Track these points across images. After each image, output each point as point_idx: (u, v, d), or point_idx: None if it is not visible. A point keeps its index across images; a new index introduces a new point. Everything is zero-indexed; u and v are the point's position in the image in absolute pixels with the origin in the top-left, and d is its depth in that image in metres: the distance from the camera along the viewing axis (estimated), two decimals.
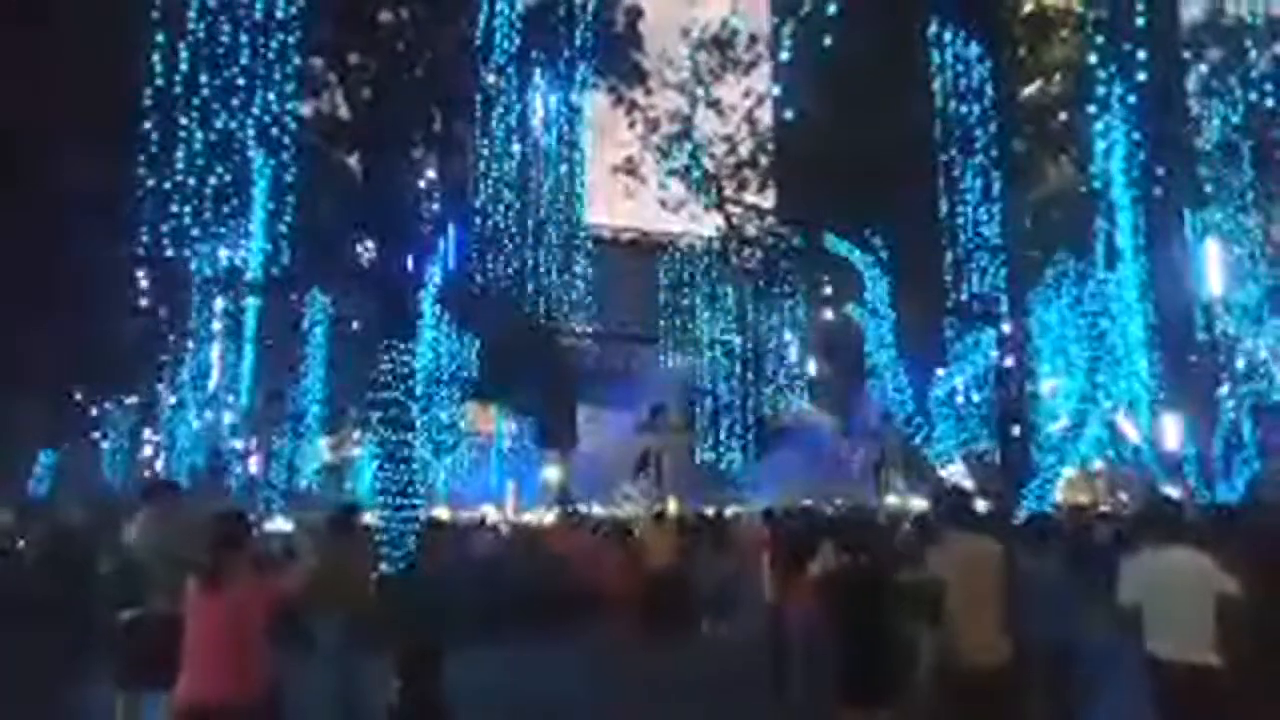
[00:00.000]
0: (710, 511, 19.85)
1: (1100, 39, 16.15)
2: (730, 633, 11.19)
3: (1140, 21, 15.35)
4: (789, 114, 18.98)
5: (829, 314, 21.32)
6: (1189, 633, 4.73)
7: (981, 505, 14.56)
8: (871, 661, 4.81)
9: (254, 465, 22.17)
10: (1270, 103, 17.77)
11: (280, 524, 18.08)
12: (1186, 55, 18.77)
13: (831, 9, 12.46)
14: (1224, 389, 18.07)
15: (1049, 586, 5.87)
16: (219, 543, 4.36)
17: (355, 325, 19.14)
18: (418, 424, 15.30)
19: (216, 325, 19.61)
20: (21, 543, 14.90)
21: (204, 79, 12.50)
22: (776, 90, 19.03)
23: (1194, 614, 4.72)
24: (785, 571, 8.20)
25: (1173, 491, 17.01)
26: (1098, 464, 21.51)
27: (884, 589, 4.99)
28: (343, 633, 6.94)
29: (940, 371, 18.11)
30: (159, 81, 12.54)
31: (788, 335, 21.55)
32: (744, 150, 19.27)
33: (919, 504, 21.81)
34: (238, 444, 21.95)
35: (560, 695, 8.33)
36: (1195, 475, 17.87)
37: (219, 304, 19.14)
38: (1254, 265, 18.57)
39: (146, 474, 22.23)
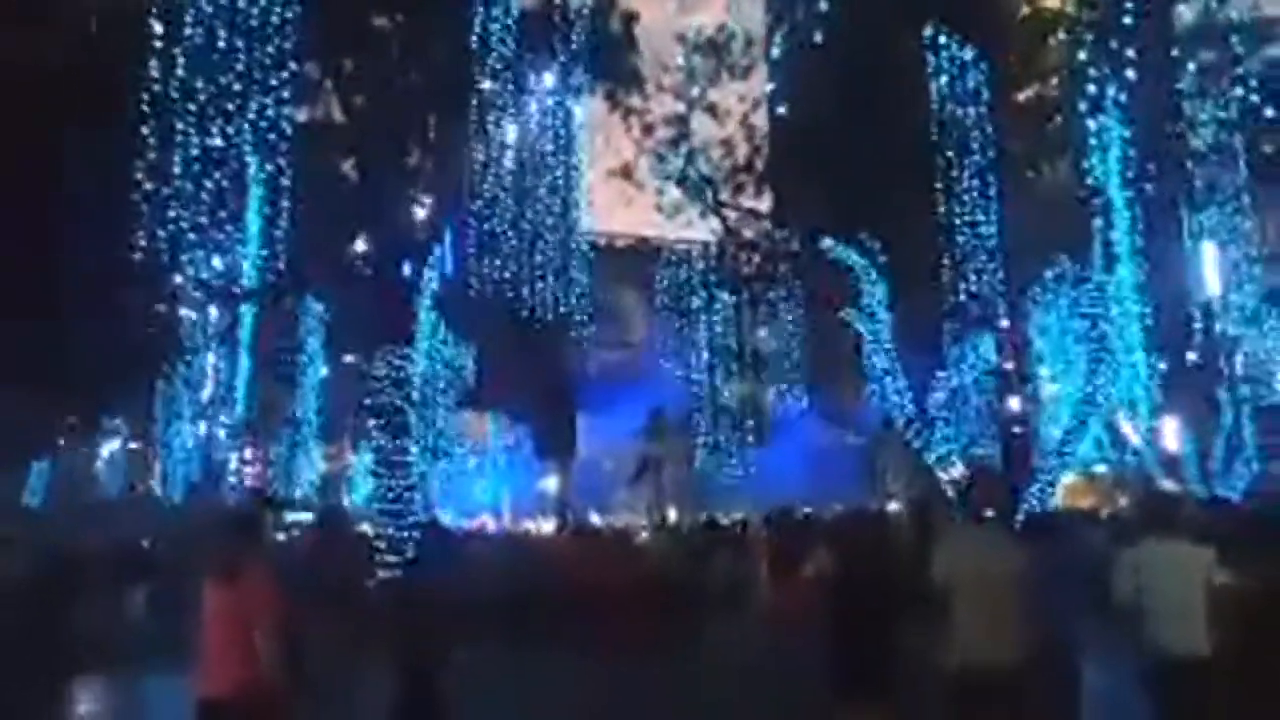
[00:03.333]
0: (714, 518, 19.71)
1: (1093, 38, 16.18)
2: (737, 636, 11.09)
3: (1131, 21, 15.37)
4: (782, 110, 18.99)
5: (827, 317, 21.28)
6: (1183, 624, 4.74)
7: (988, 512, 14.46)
8: (866, 658, 4.75)
9: (250, 475, 22.04)
10: (1266, 108, 17.86)
11: (301, 515, 17.97)
12: (1178, 53, 18.78)
13: (823, 4, 12.46)
14: (1224, 390, 18.00)
15: (1047, 583, 5.80)
16: (235, 537, 4.30)
17: (351, 331, 19.07)
18: (414, 430, 15.25)
19: (212, 333, 19.53)
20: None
21: (199, 85, 12.52)
22: (770, 85, 19.06)
23: (1188, 605, 4.74)
24: (782, 573, 8.15)
25: (1170, 487, 16.91)
26: (1100, 468, 21.41)
27: (877, 586, 4.92)
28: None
29: (939, 375, 18.02)
30: (155, 87, 12.55)
31: (785, 339, 21.51)
32: (740, 154, 19.28)
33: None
34: (233, 455, 21.82)
35: (562, 699, 8.27)
36: (1195, 475, 17.79)
37: (214, 312, 19.07)
38: (1251, 267, 18.54)
39: (139, 485, 22.11)
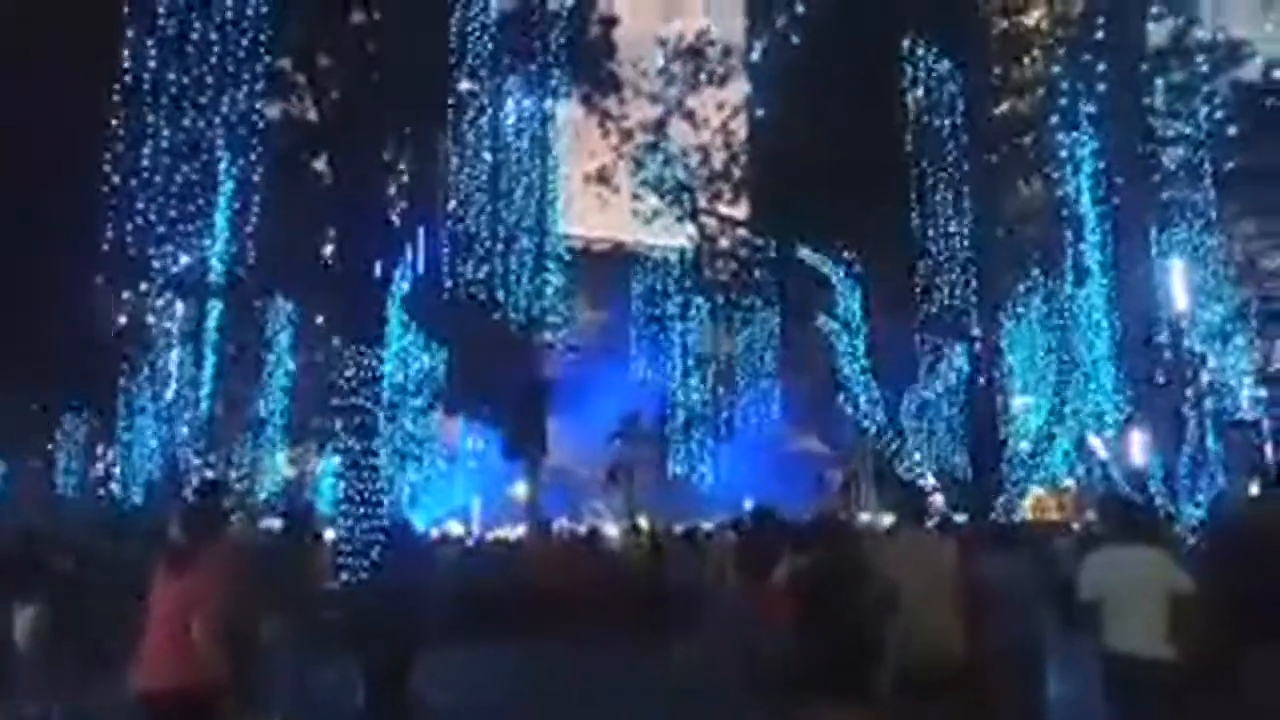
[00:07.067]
0: (681, 529, 19.61)
1: (1066, 52, 16.44)
2: (703, 649, 11.02)
3: (1103, 35, 15.63)
4: (761, 112, 19.06)
5: (801, 327, 21.34)
6: (1143, 627, 4.74)
7: (959, 519, 14.55)
8: (836, 657, 4.68)
9: (212, 477, 21.58)
10: (1231, 127, 18.25)
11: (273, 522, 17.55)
12: (1146, 67, 19.09)
13: (801, 9, 12.53)
14: (1190, 405, 18.23)
15: (1012, 586, 5.83)
16: (195, 528, 4.15)
17: (320, 331, 18.79)
18: (382, 433, 15.00)
19: (177, 331, 19.13)
20: None
21: (171, 78, 12.30)
22: (746, 88, 19.11)
23: (1148, 608, 4.74)
24: (751, 577, 8.07)
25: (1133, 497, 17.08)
26: (1067, 482, 21.59)
27: (847, 585, 4.86)
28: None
29: (912, 386, 18.12)
30: (127, 79, 12.32)
31: (760, 348, 21.49)
32: (718, 162, 19.30)
33: (890, 520, 21.74)
34: (196, 457, 21.36)
35: (531, 699, 8.17)
36: (1161, 491, 17.97)
37: (180, 308, 18.70)
38: (1218, 284, 18.83)
39: (100, 487, 21.59)
